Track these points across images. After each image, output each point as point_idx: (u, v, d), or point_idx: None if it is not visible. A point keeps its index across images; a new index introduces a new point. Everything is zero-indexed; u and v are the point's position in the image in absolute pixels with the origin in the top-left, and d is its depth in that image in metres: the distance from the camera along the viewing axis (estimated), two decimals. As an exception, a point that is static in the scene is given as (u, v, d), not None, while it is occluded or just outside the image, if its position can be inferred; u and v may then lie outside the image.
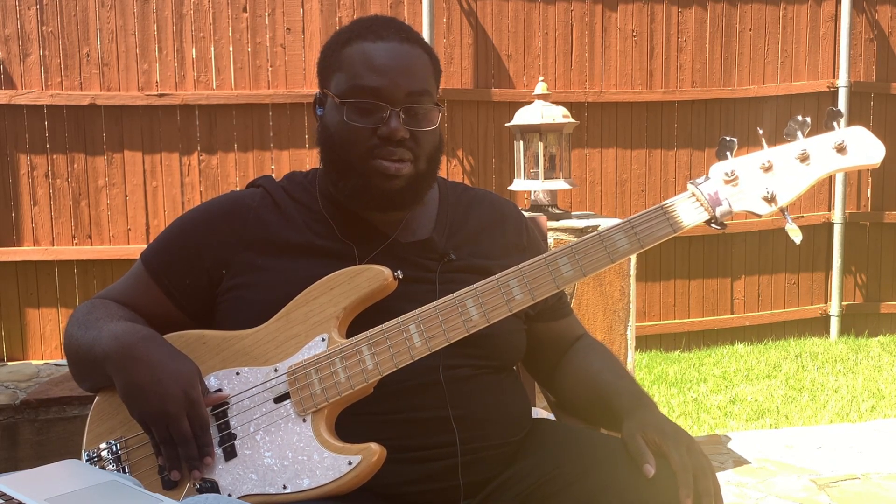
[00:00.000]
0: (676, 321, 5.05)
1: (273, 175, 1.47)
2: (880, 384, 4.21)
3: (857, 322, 5.30)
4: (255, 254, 1.32)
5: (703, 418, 3.73)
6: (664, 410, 3.83)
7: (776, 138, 1.22)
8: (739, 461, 3.03)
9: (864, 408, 3.83)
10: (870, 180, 5.26)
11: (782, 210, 1.20)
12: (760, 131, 1.23)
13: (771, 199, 1.19)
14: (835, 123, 1.19)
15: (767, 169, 1.19)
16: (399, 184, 1.27)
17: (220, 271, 1.32)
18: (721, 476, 2.88)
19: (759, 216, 1.21)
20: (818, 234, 5.20)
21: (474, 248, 1.37)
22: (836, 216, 5.14)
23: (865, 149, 1.18)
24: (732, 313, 5.17)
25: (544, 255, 1.21)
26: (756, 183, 1.20)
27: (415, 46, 1.31)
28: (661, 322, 5.02)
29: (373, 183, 1.27)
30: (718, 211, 1.20)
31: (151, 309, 1.35)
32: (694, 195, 1.21)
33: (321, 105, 1.35)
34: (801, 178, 1.19)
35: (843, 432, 3.35)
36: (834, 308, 5.23)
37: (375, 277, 1.23)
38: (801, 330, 5.27)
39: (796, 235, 1.19)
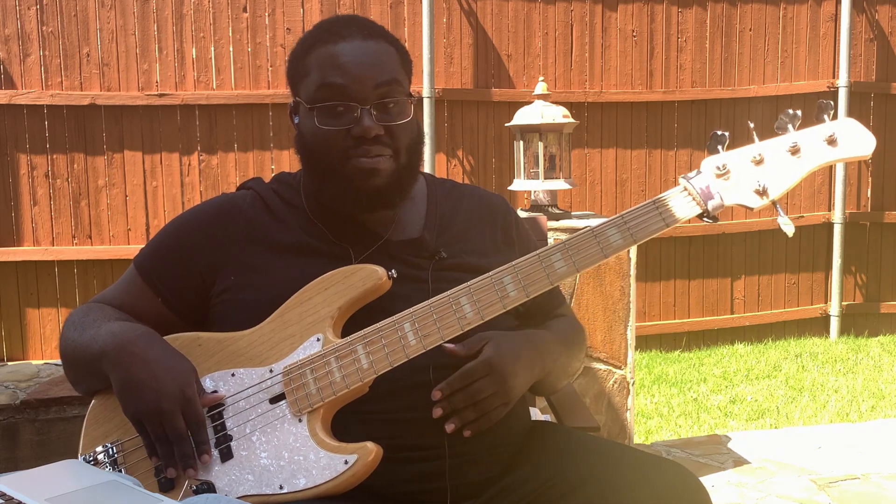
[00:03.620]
0: (676, 321, 5.04)
1: (272, 175, 1.47)
2: (880, 384, 4.21)
3: (857, 322, 5.30)
4: (248, 255, 1.32)
5: (703, 418, 3.73)
6: (664, 410, 3.84)
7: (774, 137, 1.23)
8: (739, 461, 3.03)
9: (864, 408, 3.83)
10: (870, 180, 5.26)
11: (774, 203, 1.20)
12: (752, 125, 1.23)
13: (763, 192, 1.19)
14: (825, 116, 1.20)
15: (759, 162, 1.20)
16: (381, 180, 1.27)
17: (213, 274, 1.32)
18: (721, 476, 2.88)
19: (752, 209, 1.21)
20: (818, 234, 5.20)
21: (465, 245, 1.37)
22: (836, 216, 5.14)
23: (856, 140, 1.19)
24: (732, 313, 5.17)
25: (538, 252, 1.21)
26: (748, 176, 1.20)
27: (379, 41, 1.30)
28: (661, 322, 5.02)
29: (355, 184, 1.27)
30: (710, 204, 1.20)
31: (145, 312, 1.35)
32: (686, 189, 1.21)
33: (296, 113, 1.35)
34: (793, 170, 1.19)
35: (843, 432, 3.34)
36: (834, 308, 5.23)
37: (370, 277, 1.23)
38: (801, 330, 5.27)
39: (788, 228, 1.19)
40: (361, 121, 1.24)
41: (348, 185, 1.27)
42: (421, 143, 1.34)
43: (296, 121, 1.35)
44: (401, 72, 1.31)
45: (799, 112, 1.20)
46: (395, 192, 1.29)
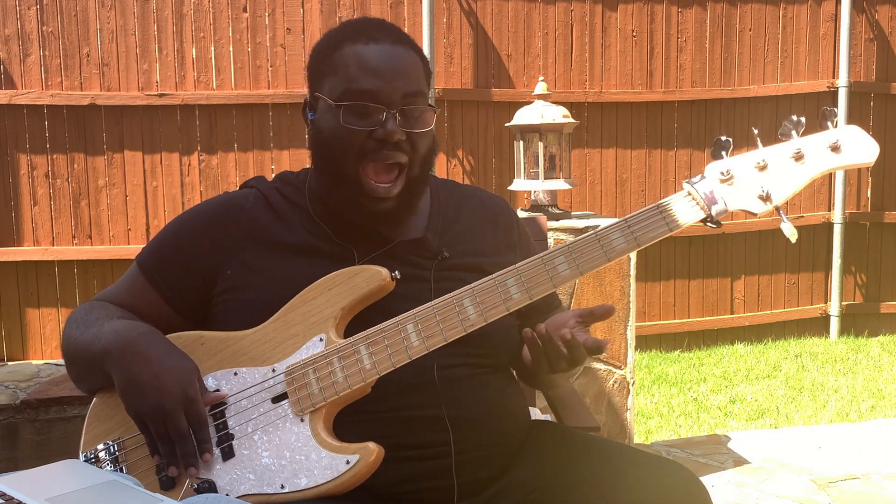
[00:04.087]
0: (676, 321, 5.04)
1: (272, 176, 1.47)
2: (880, 384, 4.21)
3: (857, 322, 5.30)
4: (251, 254, 1.32)
5: (703, 418, 3.73)
6: (664, 410, 3.84)
7: (775, 139, 1.23)
8: (739, 461, 3.03)
9: (864, 408, 3.83)
10: (870, 180, 5.26)
11: (777, 209, 1.21)
12: (755, 131, 1.24)
13: (766, 198, 1.20)
14: (829, 123, 1.20)
15: (763, 168, 1.20)
16: (391, 204, 1.28)
17: (215, 273, 1.32)
18: (721, 476, 2.88)
19: (755, 215, 1.22)
20: (818, 234, 5.20)
21: (467, 245, 1.37)
22: (836, 216, 5.14)
23: (860, 148, 1.19)
24: (732, 313, 5.17)
25: (541, 255, 1.21)
26: (751, 182, 1.21)
27: (407, 48, 1.30)
28: (661, 322, 5.02)
29: (362, 202, 1.28)
30: (714, 209, 1.20)
31: (148, 311, 1.34)
32: (690, 194, 1.22)
33: (312, 109, 1.34)
34: (796, 176, 1.20)
35: (843, 432, 3.34)
36: (834, 308, 5.23)
37: (373, 278, 1.23)
38: (801, 330, 5.27)
39: (791, 234, 1.20)
40: (386, 124, 1.25)
41: (355, 198, 1.28)
42: (434, 153, 1.35)
43: (310, 116, 1.35)
44: (424, 82, 1.32)
45: (803, 119, 1.21)
46: (405, 209, 1.31)
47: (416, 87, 1.28)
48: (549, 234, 3.06)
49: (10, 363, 3.87)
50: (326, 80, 1.30)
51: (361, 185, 1.27)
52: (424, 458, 1.23)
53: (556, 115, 3.40)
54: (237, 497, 1.18)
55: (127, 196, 4.35)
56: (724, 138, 1.22)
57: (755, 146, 1.24)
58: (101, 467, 1.24)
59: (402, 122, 1.26)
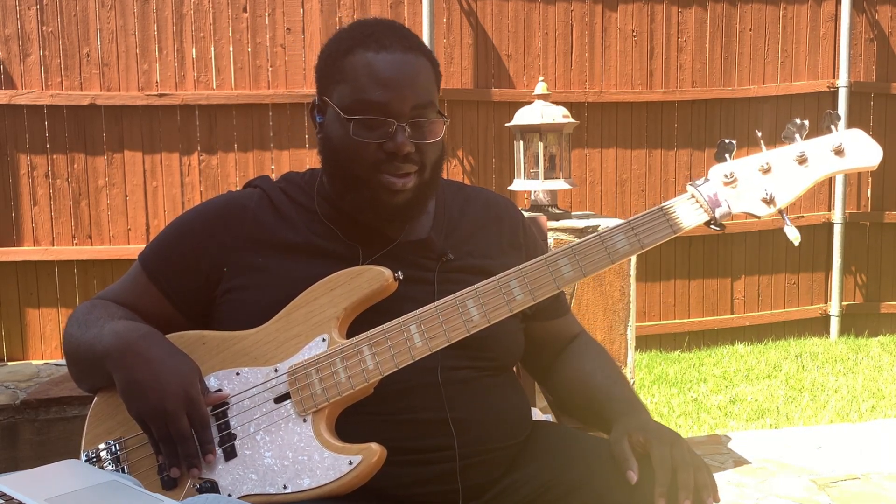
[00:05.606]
0: (676, 321, 5.05)
1: (273, 175, 1.47)
2: (880, 384, 4.21)
3: (857, 322, 5.30)
4: (254, 254, 1.31)
5: (703, 418, 3.73)
6: (664, 410, 3.84)
7: (776, 139, 1.23)
8: (739, 461, 3.03)
9: (865, 408, 3.83)
10: (870, 180, 5.26)
11: (781, 211, 1.21)
12: (759, 134, 1.24)
13: (770, 201, 1.20)
14: (832, 126, 1.20)
15: (766, 171, 1.20)
16: (405, 197, 1.27)
17: (218, 273, 1.32)
18: (721, 476, 2.88)
19: (759, 217, 1.22)
20: (818, 234, 5.20)
21: (471, 247, 1.37)
22: (837, 216, 5.14)
23: (863, 151, 1.19)
24: (732, 313, 5.17)
25: (545, 256, 1.21)
26: (755, 184, 1.20)
27: (418, 55, 1.29)
28: (661, 322, 5.02)
29: (380, 198, 1.27)
30: (718, 212, 1.21)
31: (150, 310, 1.34)
32: (693, 197, 1.22)
33: (321, 112, 1.33)
34: (800, 179, 1.20)
35: (843, 432, 3.34)
36: (834, 308, 5.23)
37: (376, 278, 1.23)
38: (801, 330, 5.27)
39: (794, 237, 1.20)
40: (395, 137, 1.24)
41: (372, 197, 1.27)
42: (444, 158, 1.35)
43: (318, 119, 1.34)
44: (434, 91, 1.30)
45: (806, 122, 1.21)
46: (417, 207, 1.30)
47: (427, 97, 1.27)
48: (550, 234, 3.07)
49: (10, 363, 3.87)
50: (336, 87, 1.28)
51: (377, 181, 1.26)
52: (428, 462, 1.22)
53: (556, 115, 3.40)
54: (239, 497, 1.18)
55: (127, 196, 4.35)
56: (727, 141, 1.22)
57: (755, 146, 1.24)
58: (102, 467, 1.24)
59: (412, 134, 1.25)
